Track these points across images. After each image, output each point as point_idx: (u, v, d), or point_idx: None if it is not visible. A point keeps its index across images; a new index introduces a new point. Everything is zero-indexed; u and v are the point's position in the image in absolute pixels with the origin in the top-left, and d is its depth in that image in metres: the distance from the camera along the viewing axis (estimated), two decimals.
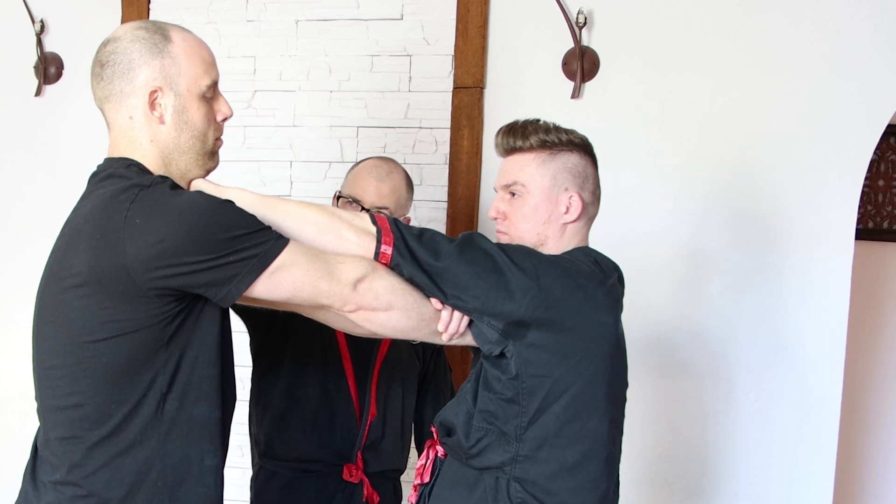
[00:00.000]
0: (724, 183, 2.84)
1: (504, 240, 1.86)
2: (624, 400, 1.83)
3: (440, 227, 3.05)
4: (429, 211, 3.06)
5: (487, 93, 2.97)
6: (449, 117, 2.98)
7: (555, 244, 1.86)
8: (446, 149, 3.00)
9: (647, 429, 2.93)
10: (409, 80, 3.03)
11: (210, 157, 1.73)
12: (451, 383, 2.61)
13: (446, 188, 3.01)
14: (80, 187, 3.09)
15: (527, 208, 1.84)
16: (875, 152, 2.79)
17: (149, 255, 1.46)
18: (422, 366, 2.49)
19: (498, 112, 2.95)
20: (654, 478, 2.88)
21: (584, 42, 2.83)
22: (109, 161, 1.67)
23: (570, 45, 2.82)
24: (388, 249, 1.63)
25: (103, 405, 1.53)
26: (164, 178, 1.60)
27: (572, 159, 1.84)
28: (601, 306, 1.73)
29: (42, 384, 1.60)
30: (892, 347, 4.08)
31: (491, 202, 2.83)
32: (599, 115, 2.91)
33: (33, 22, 3.22)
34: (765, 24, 2.78)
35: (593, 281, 1.73)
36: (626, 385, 1.83)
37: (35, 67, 3.27)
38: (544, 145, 1.82)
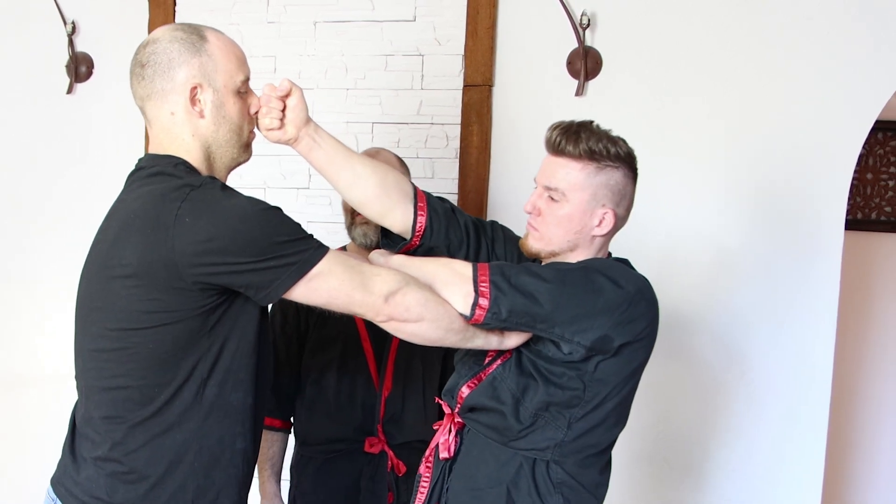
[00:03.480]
0: (719, 176, 2.82)
1: (533, 233, 1.81)
2: None
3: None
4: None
5: (496, 90, 2.96)
6: (459, 114, 2.96)
7: (583, 252, 1.81)
8: (457, 144, 2.99)
9: (647, 410, 2.86)
10: (422, 79, 3.02)
11: (245, 150, 1.74)
12: None
13: (456, 181, 2.99)
14: (110, 179, 3.05)
15: (562, 214, 1.78)
16: (864, 147, 2.76)
17: (195, 252, 1.46)
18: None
19: (506, 109, 2.95)
20: (653, 455, 2.88)
21: (588, 42, 2.81)
22: (155, 158, 1.65)
23: (574, 45, 2.80)
24: (485, 288, 1.62)
25: (147, 388, 1.53)
26: (213, 179, 1.60)
27: (616, 176, 1.77)
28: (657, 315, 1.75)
29: (87, 365, 1.59)
30: (879, 329, 4.09)
31: (498, 195, 2.83)
32: (602, 112, 2.79)
33: (65, 23, 3.21)
34: (762, 27, 2.75)
35: (651, 291, 1.75)
36: None
37: (67, 66, 3.26)
38: (592, 156, 1.74)
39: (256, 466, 2.08)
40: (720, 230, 2.84)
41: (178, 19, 3.13)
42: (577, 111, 2.62)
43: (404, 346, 2.27)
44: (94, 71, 3.28)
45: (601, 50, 2.81)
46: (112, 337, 1.56)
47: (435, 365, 2.42)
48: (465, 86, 2.94)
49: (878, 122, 2.73)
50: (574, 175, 1.74)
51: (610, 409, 1.69)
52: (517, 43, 2.93)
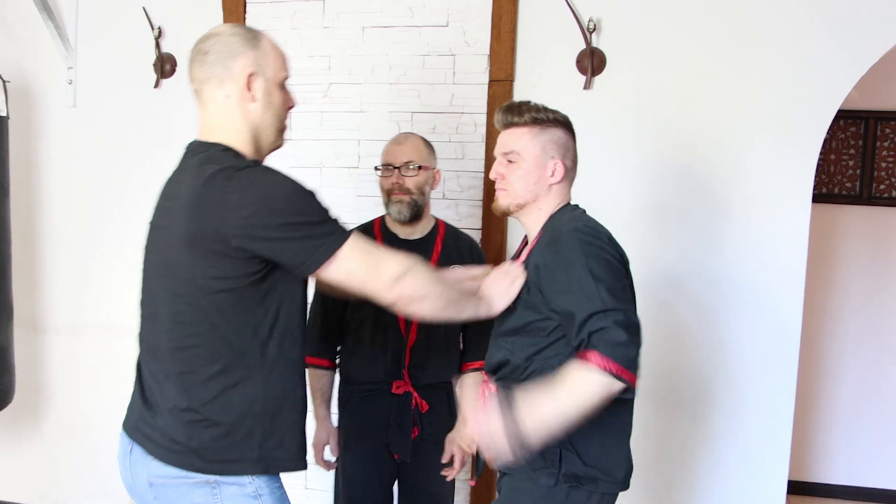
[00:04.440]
0: (704, 156, 2.96)
1: (501, 193, 1.96)
2: None
3: (478, 192, 3.16)
4: (469, 180, 3.16)
5: (516, 85, 3.09)
6: (485, 105, 3.09)
7: (544, 201, 1.95)
8: (483, 130, 3.11)
9: (645, 354, 3.08)
10: (454, 75, 3.15)
11: (281, 135, 1.85)
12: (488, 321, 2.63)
13: (483, 161, 3.12)
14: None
15: (521, 171, 1.93)
16: (828, 132, 2.90)
17: (240, 224, 1.56)
18: None
19: (526, 99, 3.10)
20: (652, 392, 3.00)
21: (594, 44, 2.96)
22: (204, 145, 1.75)
23: (583, 46, 2.96)
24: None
25: (217, 347, 1.62)
26: (256, 163, 1.72)
27: (557, 133, 1.94)
28: None
29: (162, 327, 1.67)
30: (841, 286, 4.23)
31: None
32: (606, 103, 3.03)
33: (152, 28, 3.40)
34: (739, 34, 2.89)
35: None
36: None
37: (154, 65, 3.43)
38: (535, 121, 1.93)
39: (310, 397, 2.34)
40: (705, 202, 2.97)
41: (247, 25, 3.13)
42: (584, 102, 2.95)
43: None
44: (177, 69, 3.45)
45: (605, 50, 2.97)
46: (183, 302, 1.64)
47: (457, 323, 2.50)
48: (490, 81, 3.08)
49: (840, 112, 2.86)
50: (525, 138, 1.92)
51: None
52: (534, 44, 3.07)
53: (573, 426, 1.72)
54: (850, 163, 4.01)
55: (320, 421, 2.59)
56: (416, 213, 2.50)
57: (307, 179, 3.23)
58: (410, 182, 2.46)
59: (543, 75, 3.06)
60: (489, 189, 3.07)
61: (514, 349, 1.92)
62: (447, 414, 2.53)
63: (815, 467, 4.33)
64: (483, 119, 3.09)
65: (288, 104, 1.82)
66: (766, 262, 2.92)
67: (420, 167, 2.48)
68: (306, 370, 2.10)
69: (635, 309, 1.85)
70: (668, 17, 2.95)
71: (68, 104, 3.57)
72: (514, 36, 3.07)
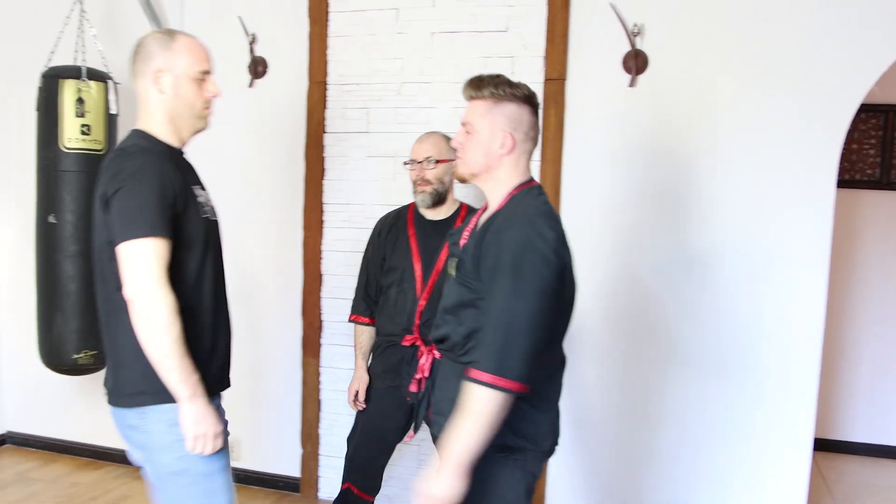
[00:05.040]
0: (738, 145, 3.08)
1: (458, 162, 1.99)
2: None
3: (536, 176, 3.09)
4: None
5: (568, 83, 3.24)
6: (542, 101, 3.20)
7: (497, 171, 1.95)
8: (539, 123, 3.25)
9: (676, 324, 3.21)
10: (512, 75, 2.93)
11: (199, 119, 2.06)
12: None
13: (540, 151, 3.25)
14: (277, 148, 3.63)
15: (475, 142, 1.94)
16: (851, 124, 3.01)
17: (106, 192, 1.89)
18: None
19: (575, 97, 3.24)
20: (687, 360, 3.20)
21: (638, 46, 3.12)
22: (133, 129, 2.03)
23: (628, 48, 3.12)
24: None
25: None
26: (142, 150, 1.94)
27: (510, 108, 1.92)
28: None
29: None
30: (862, 260, 4.41)
31: (570, 160, 3.25)
32: (648, 98, 3.18)
33: (247, 35, 3.65)
34: (771, 34, 3.01)
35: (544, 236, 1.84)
36: None
37: (248, 67, 3.68)
38: (492, 96, 1.92)
39: (354, 349, 2.90)
40: (739, 188, 3.09)
41: (330, 33, 3.52)
42: (629, 99, 3.15)
43: (439, 281, 2.76)
44: (268, 70, 3.67)
45: (648, 52, 3.12)
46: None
47: None
48: (545, 80, 3.23)
49: (862, 106, 2.99)
50: (479, 110, 1.93)
51: None
52: (584, 47, 3.21)
53: (491, 435, 1.74)
54: (871, 151, 4.20)
55: (356, 370, 2.97)
56: (438, 199, 2.83)
57: (384, 168, 3.47)
58: (430, 174, 2.79)
59: (592, 74, 3.21)
60: (545, 174, 3.27)
61: (454, 326, 1.95)
62: None
63: (839, 426, 4.51)
64: (539, 113, 3.22)
65: (204, 94, 2.03)
66: (796, 240, 3.06)
67: (438, 161, 2.79)
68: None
69: (551, 315, 1.81)
70: (705, 21, 3.09)
71: None
72: (566, 39, 3.21)
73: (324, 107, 3.55)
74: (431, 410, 2.05)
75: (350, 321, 3.04)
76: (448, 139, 2.83)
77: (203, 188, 2.14)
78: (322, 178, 3.60)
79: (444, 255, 2.76)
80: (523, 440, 1.87)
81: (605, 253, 3.28)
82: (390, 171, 3.43)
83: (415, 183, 2.83)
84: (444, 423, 1.86)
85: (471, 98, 1.97)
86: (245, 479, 3.83)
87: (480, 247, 1.87)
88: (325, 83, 3.55)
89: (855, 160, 4.27)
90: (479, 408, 1.72)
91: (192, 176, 2.11)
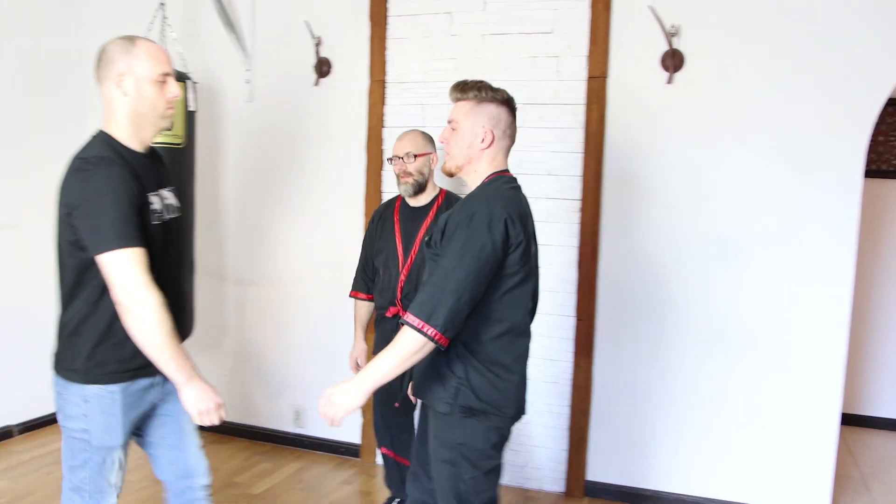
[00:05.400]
0: (770, 137, 3.17)
1: (446, 159, 2.14)
2: None
3: (577, 168, 3.41)
4: (569, 157, 3.44)
5: (609, 80, 3.37)
6: (584, 98, 3.40)
7: (478, 163, 2.10)
8: (582, 118, 3.41)
9: (710, 305, 3.32)
10: (558, 73, 3.43)
11: (161, 119, 2.10)
12: None
13: (582, 143, 3.41)
14: (342, 143, 3.76)
15: (458, 138, 2.10)
16: (878, 117, 3.09)
17: (64, 203, 1.98)
18: None
19: (616, 94, 3.36)
20: (717, 336, 3.30)
21: (675, 45, 3.25)
22: (97, 131, 2.06)
23: (665, 48, 3.26)
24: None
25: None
26: (100, 160, 1.97)
27: (490, 108, 2.08)
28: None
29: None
30: (889, 248, 4.48)
31: (611, 151, 3.39)
32: (684, 95, 3.29)
33: (313, 38, 3.83)
34: (801, 34, 3.10)
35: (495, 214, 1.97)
36: None
37: (314, 67, 3.86)
38: (475, 98, 2.09)
39: (354, 322, 3.25)
40: (771, 177, 3.19)
41: (389, 35, 3.69)
42: (667, 95, 3.27)
43: (419, 254, 3.02)
44: (332, 70, 3.85)
45: (684, 51, 3.25)
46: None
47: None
48: (588, 78, 3.37)
49: (889, 99, 3.08)
50: (463, 110, 2.09)
51: None
52: (625, 47, 3.34)
53: (400, 372, 1.91)
54: None
55: (356, 340, 3.31)
56: (419, 188, 3.08)
57: (440, 161, 3.50)
58: (411, 167, 3.05)
59: (632, 72, 3.33)
60: (587, 164, 3.41)
61: None
62: None
63: (865, 401, 4.60)
64: (581, 109, 3.41)
65: (165, 95, 2.08)
66: (825, 225, 3.15)
67: (416, 155, 3.04)
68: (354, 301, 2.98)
69: (484, 281, 1.95)
70: (738, 22, 3.19)
71: (245, 99, 4.05)
72: (608, 40, 3.34)
73: (383, 104, 3.73)
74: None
75: (350, 297, 3.33)
76: (424, 135, 3.12)
77: (161, 189, 2.19)
78: (381, 170, 3.78)
79: (420, 235, 3.05)
80: (486, 405, 2.02)
81: (642, 237, 3.41)
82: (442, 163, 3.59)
83: (398, 176, 3.09)
84: (417, 384, 2.08)
85: (457, 99, 2.13)
86: (309, 444, 4.08)
87: (447, 222, 2.05)
88: (384, 82, 3.72)
89: (882, 151, 4.34)
90: (400, 345, 1.91)
91: (150, 181, 2.14)
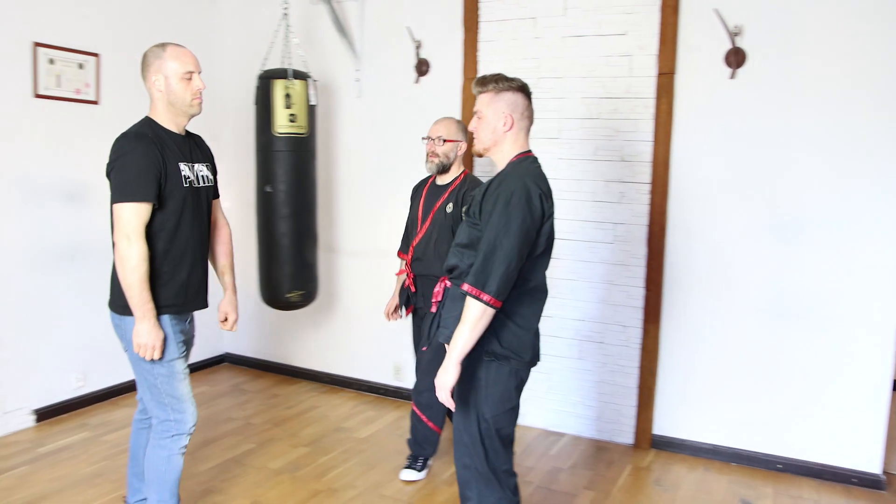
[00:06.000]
0: (828, 128, 3.33)
1: (475, 142, 2.31)
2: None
3: (648, 155, 3.63)
4: (641, 146, 3.68)
5: (677, 76, 3.60)
6: (654, 92, 3.64)
7: (503, 144, 2.26)
8: (652, 111, 3.66)
9: (768, 280, 3.50)
10: (630, 70, 3.69)
11: (190, 107, 2.51)
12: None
13: (652, 133, 3.65)
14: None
15: (484, 124, 2.26)
16: None
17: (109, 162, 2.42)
18: (453, 227, 3.31)
19: (684, 88, 3.59)
20: (774, 309, 3.50)
21: (738, 44, 3.44)
22: (145, 116, 2.51)
23: (729, 46, 3.46)
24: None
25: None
26: (136, 134, 2.40)
27: (508, 95, 2.23)
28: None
29: None
30: None
31: (678, 140, 3.62)
32: (746, 89, 3.48)
33: (413, 41, 4.16)
34: (860, 32, 3.22)
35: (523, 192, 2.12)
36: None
37: (415, 67, 4.20)
38: (494, 89, 2.24)
39: (397, 280, 3.52)
40: (826, 163, 3.32)
41: (480, 39, 3.99)
42: (731, 88, 3.46)
43: (433, 225, 3.31)
44: (430, 70, 4.18)
45: (746, 49, 3.43)
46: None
47: (446, 236, 3.30)
48: (658, 74, 3.61)
49: None
50: (485, 100, 2.26)
51: None
52: (691, 46, 3.56)
53: (475, 338, 2.08)
54: None
55: (393, 294, 3.58)
56: (442, 169, 3.36)
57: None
58: (439, 150, 3.33)
59: (697, 69, 3.55)
60: (656, 152, 3.66)
61: (462, 258, 2.25)
62: (430, 296, 3.24)
63: None
64: (651, 103, 3.65)
65: (191, 89, 2.49)
66: (875, 206, 3.26)
67: (446, 140, 3.31)
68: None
69: (525, 249, 2.11)
70: (798, 20, 3.33)
71: (355, 95, 4.43)
72: (676, 40, 3.57)
73: (475, 99, 4.01)
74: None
75: (397, 256, 3.65)
76: (458, 124, 3.36)
77: (194, 162, 2.60)
78: (472, 158, 4.11)
79: (434, 210, 3.33)
80: (507, 350, 2.19)
81: (706, 216, 3.65)
82: None
83: (427, 155, 3.35)
84: (447, 333, 2.24)
85: (479, 93, 2.29)
86: (407, 396, 4.46)
87: (485, 196, 2.20)
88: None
89: None
90: (466, 315, 2.09)
91: (185, 153, 2.56)
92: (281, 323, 4.97)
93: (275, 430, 4.07)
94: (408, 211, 3.58)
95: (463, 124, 3.38)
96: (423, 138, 3.39)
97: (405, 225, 3.59)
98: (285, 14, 4.00)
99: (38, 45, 3.89)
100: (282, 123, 3.80)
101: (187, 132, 2.64)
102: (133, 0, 4.42)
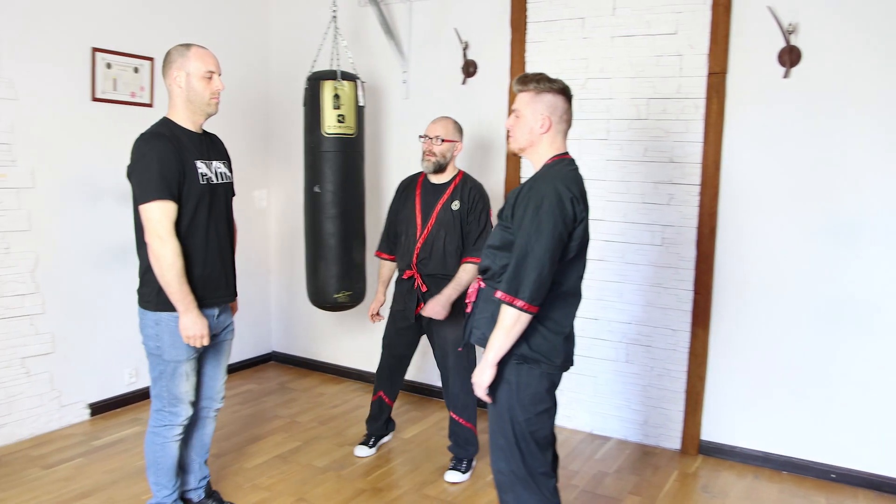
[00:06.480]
0: (883, 124, 3.25)
1: (510, 140, 2.30)
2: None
3: (698, 156, 3.61)
4: (691, 147, 3.64)
5: (729, 76, 3.55)
6: (704, 92, 3.60)
7: (539, 146, 2.24)
8: (702, 111, 3.62)
9: (825, 283, 3.43)
10: (680, 70, 3.66)
11: (207, 106, 2.60)
12: (479, 235, 3.40)
13: (702, 133, 3.62)
14: (487, 133, 4.09)
15: (521, 124, 2.25)
16: None
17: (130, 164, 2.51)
18: (461, 224, 3.39)
19: (735, 88, 3.54)
20: (831, 314, 3.40)
21: (792, 42, 3.38)
22: (162, 116, 2.60)
23: (782, 44, 3.40)
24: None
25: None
26: (152, 134, 2.49)
27: (547, 97, 2.22)
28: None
29: None
30: None
31: (730, 140, 3.57)
32: (801, 87, 3.42)
33: (461, 42, 4.20)
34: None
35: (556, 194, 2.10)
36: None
37: (462, 68, 4.24)
38: (535, 89, 2.23)
39: (379, 279, 3.63)
40: (881, 163, 3.27)
41: (527, 39, 4.00)
42: (783, 89, 3.41)
43: (436, 223, 3.36)
44: (477, 71, 4.21)
45: (802, 48, 3.38)
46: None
47: (454, 234, 3.37)
48: (708, 74, 3.56)
49: None
50: (524, 100, 2.25)
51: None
52: (743, 45, 3.50)
53: (510, 342, 2.11)
54: None
55: (377, 294, 3.70)
56: (438, 168, 3.40)
57: (571, 149, 3.69)
58: (436, 149, 3.37)
59: (750, 68, 3.49)
60: (706, 153, 3.62)
61: (494, 259, 2.26)
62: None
63: None
64: (702, 103, 3.61)
65: (210, 89, 2.58)
66: None
67: (444, 140, 3.36)
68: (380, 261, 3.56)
69: (558, 254, 2.10)
70: (855, 18, 3.28)
71: (403, 97, 4.49)
72: (728, 39, 3.50)
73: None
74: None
75: (375, 256, 3.73)
76: (456, 124, 3.41)
77: (211, 160, 2.68)
78: (521, 160, 4.13)
79: (437, 209, 3.36)
80: (537, 354, 2.19)
81: (758, 219, 3.59)
82: (575, 152, 3.78)
83: (424, 153, 3.39)
84: (480, 333, 2.27)
85: (519, 91, 2.28)
86: None
87: (517, 199, 2.19)
88: None
89: None
90: (501, 321, 2.11)
91: (202, 151, 2.65)
92: (327, 323, 5.04)
93: (320, 428, 4.12)
94: (391, 208, 3.64)
95: (460, 125, 3.46)
96: (420, 137, 3.44)
97: (386, 222, 3.66)
98: (334, 16, 4.06)
99: (96, 50, 4.01)
100: (330, 124, 3.84)
101: (204, 131, 2.72)
102: (186, 5, 4.54)
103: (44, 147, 3.83)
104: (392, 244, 3.64)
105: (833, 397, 3.52)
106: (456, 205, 3.38)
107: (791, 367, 3.61)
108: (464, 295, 3.33)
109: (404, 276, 3.46)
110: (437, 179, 3.48)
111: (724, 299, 3.73)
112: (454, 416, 3.51)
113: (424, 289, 3.42)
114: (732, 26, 3.54)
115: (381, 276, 3.71)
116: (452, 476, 3.50)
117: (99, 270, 4.14)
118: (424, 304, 3.40)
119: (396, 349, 3.65)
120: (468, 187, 3.43)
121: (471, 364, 3.40)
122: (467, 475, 3.52)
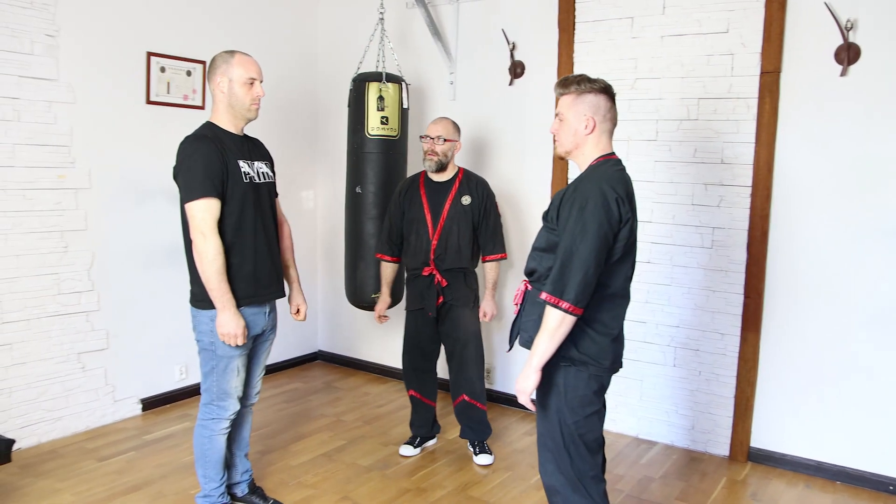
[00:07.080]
0: None
1: (556, 145, 2.30)
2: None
3: (749, 157, 3.54)
4: (742, 147, 3.58)
5: (783, 75, 3.49)
6: (756, 92, 3.54)
7: (585, 147, 2.23)
8: (754, 111, 3.56)
9: (876, 290, 3.34)
10: (732, 69, 3.59)
11: (248, 111, 2.68)
12: (494, 229, 3.56)
13: (754, 134, 3.55)
14: (535, 134, 4.13)
15: (565, 127, 2.25)
16: None
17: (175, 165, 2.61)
18: (473, 219, 3.51)
19: (789, 87, 3.47)
20: (883, 318, 3.32)
21: (851, 39, 3.29)
22: (206, 120, 2.70)
23: (840, 42, 3.32)
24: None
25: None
26: (196, 137, 2.59)
27: (589, 97, 2.21)
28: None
29: None
30: None
31: (782, 141, 3.51)
32: (859, 86, 3.34)
33: (508, 43, 4.21)
34: None
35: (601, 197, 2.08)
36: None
37: (509, 69, 4.22)
38: (576, 91, 2.22)
39: (382, 281, 3.73)
40: None
41: (576, 40, 3.99)
42: (840, 88, 3.35)
43: (448, 219, 3.46)
44: (525, 72, 4.21)
45: (861, 45, 3.29)
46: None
47: (467, 229, 3.48)
48: (761, 73, 3.51)
49: None
50: (567, 102, 2.24)
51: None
52: (798, 43, 3.44)
53: (555, 345, 2.08)
54: None
55: (381, 295, 3.81)
56: (440, 167, 3.50)
57: (618, 150, 3.80)
58: (438, 149, 3.48)
59: (804, 66, 3.43)
60: (758, 153, 3.55)
61: (540, 262, 2.25)
62: (463, 287, 3.57)
63: None
64: (754, 103, 3.55)
65: (251, 95, 2.66)
66: None
67: (445, 139, 3.46)
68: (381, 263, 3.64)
69: (603, 255, 2.08)
70: None
71: (449, 98, 4.51)
72: (782, 37, 3.44)
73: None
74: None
75: (376, 258, 3.80)
76: (455, 125, 3.52)
77: (253, 160, 2.76)
78: (568, 161, 4.02)
79: (447, 206, 3.46)
80: (585, 356, 2.18)
81: (810, 222, 3.52)
82: (623, 153, 3.86)
83: (426, 153, 3.48)
84: (527, 336, 2.25)
85: (560, 94, 2.28)
86: (497, 398, 4.53)
87: (562, 200, 2.18)
88: None
89: None
90: (546, 324, 2.09)
91: (244, 152, 2.73)
92: (372, 323, 5.07)
93: (365, 427, 4.16)
94: (391, 211, 3.68)
95: (458, 126, 3.58)
96: (421, 137, 3.52)
97: (387, 224, 3.70)
98: (381, 18, 4.10)
99: (151, 54, 4.10)
100: (374, 126, 3.90)
101: (245, 134, 2.81)
102: (236, 8, 4.62)
103: (100, 149, 3.93)
104: (395, 246, 3.71)
105: (889, 405, 3.42)
106: (466, 199, 3.52)
107: (844, 372, 3.52)
108: (476, 284, 3.59)
109: (423, 273, 3.54)
110: (439, 178, 3.58)
111: (774, 303, 3.66)
112: (470, 400, 3.65)
113: (444, 283, 3.52)
114: (787, 23, 3.47)
115: (384, 276, 3.78)
116: (484, 459, 3.66)
117: (150, 269, 4.23)
118: (444, 297, 3.54)
119: (423, 346, 3.71)
120: (474, 182, 3.58)
121: (481, 355, 3.67)
122: (493, 455, 3.73)
